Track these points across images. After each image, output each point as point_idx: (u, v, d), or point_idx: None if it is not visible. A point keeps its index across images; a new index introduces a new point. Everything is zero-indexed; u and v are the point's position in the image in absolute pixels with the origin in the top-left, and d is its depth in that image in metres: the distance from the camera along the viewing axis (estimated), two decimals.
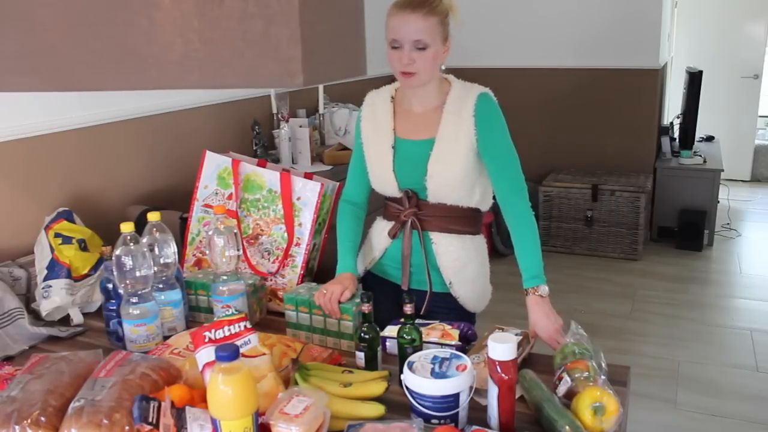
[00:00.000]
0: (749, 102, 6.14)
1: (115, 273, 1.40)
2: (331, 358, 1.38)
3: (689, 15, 6.10)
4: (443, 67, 1.60)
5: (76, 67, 0.93)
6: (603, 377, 1.18)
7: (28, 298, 1.71)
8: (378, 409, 1.15)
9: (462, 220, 1.65)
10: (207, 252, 1.78)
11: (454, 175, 1.57)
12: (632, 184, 4.26)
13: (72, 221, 1.81)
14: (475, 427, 1.09)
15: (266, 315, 1.70)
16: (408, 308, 1.29)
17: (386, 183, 1.65)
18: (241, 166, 1.80)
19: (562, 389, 1.19)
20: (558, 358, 1.29)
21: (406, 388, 1.13)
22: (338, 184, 1.82)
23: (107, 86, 0.94)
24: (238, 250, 1.53)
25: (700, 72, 4.64)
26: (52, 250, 1.69)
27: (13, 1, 0.94)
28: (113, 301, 1.47)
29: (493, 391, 1.11)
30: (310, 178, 1.78)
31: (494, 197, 1.69)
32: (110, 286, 1.48)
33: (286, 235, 1.74)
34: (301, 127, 3.07)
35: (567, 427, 1.07)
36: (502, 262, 3.93)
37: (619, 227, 4.31)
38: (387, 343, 1.44)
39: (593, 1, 4.38)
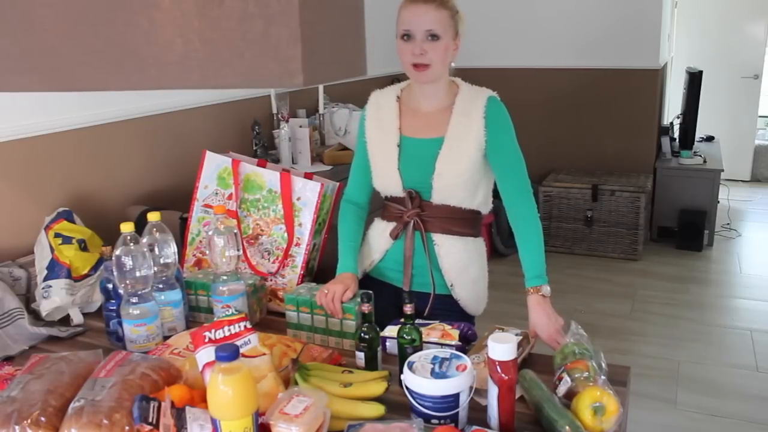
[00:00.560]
0: (749, 102, 6.14)
1: (115, 273, 1.40)
2: (331, 358, 1.38)
3: (689, 15, 6.10)
4: (452, 65, 1.61)
5: (76, 67, 0.93)
6: (603, 377, 1.18)
7: (28, 298, 1.71)
8: (378, 409, 1.15)
9: (464, 222, 1.65)
10: (207, 252, 1.78)
11: (461, 175, 1.58)
12: (632, 184, 4.26)
13: (72, 221, 1.81)
14: (475, 427, 1.09)
15: (266, 315, 1.70)
16: (408, 308, 1.29)
17: (390, 182, 1.65)
18: (241, 166, 1.80)
19: (562, 389, 1.19)
20: (558, 358, 1.30)
21: (406, 388, 1.13)
22: (338, 184, 1.82)
23: (107, 86, 0.94)
24: (238, 250, 1.53)
25: (700, 72, 4.64)
26: (52, 250, 1.69)
27: (13, 1, 0.94)
28: (113, 301, 1.47)
29: (493, 391, 1.11)
30: (310, 178, 1.78)
31: (494, 199, 1.70)
32: (110, 286, 1.48)
33: (286, 235, 1.74)
34: (301, 127, 3.07)
35: (567, 427, 1.07)
36: (502, 262, 3.94)
37: (619, 227, 4.31)
38: (387, 343, 1.44)
39: (593, 2, 4.38)
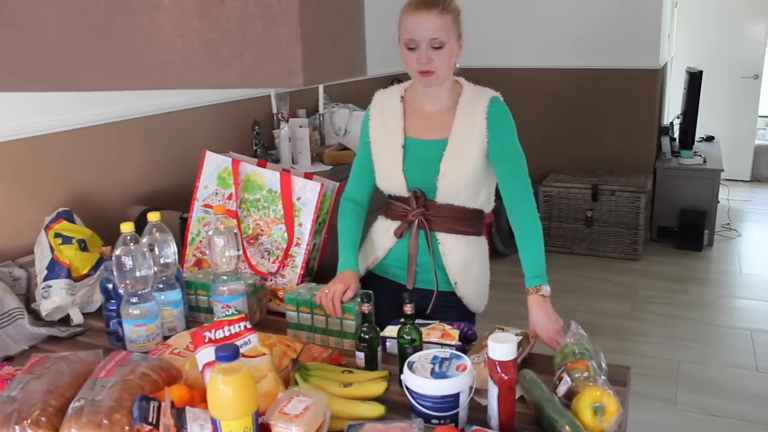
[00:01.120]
0: (749, 102, 6.14)
1: (115, 273, 1.40)
2: (331, 358, 1.38)
3: (689, 15, 6.10)
4: (457, 65, 1.61)
5: (76, 67, 0.93)
6: (603, 377, 1.18)
7: (28, 298, 1.71)
8: (378, 409, 1.15)
9: (467, 221, 1.66)
10: (207, 252, 1.78)
11: (465, 175, 1.59)
12: (632, 184, 4.26)
13: (72, 221, 1.81)
14: (475, 427, 1.09)
15: (266, 315, 1.70)
16: (408, 308, 1.29)
17: (395, 182, 1.65)
18: (241, 166, 1.80)
19: (562, 389, 1.19)
20: (558, 358, 1.30)
21: (406, 388, 1.13)
22: (338, 184, 1.82)
23: (107, 86, 0.94)
24: (238, 250, 1.53)
25: (700, 72, 4.64)
26: (52, 250, 1.69)
27: (13, 1, 0.94)
28: (113, 301, 1.47)
29: (493, 391, 1.11)
30: (310, 178, 1.78)
31: (495, 199, 1.70)
32: (110, 286, 1.48)
33: (286, 235, 1.74)
34: (301, 127, 3.07)
35: (567, 427, 1.07)
36: (502, 262, 3.93)
37: (619, 227, 4.31)
38: (387, 343, 1.44)
39: (593, 2, 4.38)
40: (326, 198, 1.77)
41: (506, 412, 1.12)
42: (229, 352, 0.94)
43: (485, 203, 1.67)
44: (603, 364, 1.28)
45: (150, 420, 1.00)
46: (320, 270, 1.82)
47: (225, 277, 1.51)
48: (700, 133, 5.10)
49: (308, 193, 1.74)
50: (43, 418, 1.02)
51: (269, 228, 1.77)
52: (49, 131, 2.04)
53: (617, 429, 1.12)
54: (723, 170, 4.51)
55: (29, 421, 1.01)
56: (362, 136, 1.74)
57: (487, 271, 1.75)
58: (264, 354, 1.15)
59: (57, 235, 1.73)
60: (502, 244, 4.25)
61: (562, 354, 1.29)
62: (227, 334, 1.14)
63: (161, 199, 2.46)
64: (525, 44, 4.61)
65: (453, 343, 1.39)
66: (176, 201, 2.38)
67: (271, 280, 1.75)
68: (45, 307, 1.62)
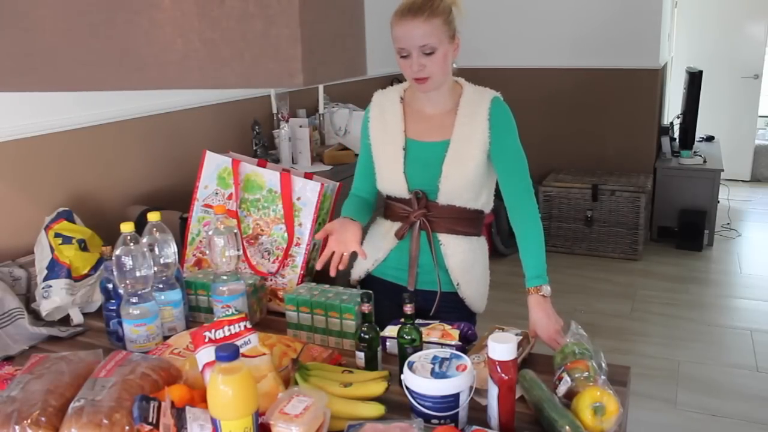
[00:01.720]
0: (749, 102, 6.14)
1: (115, 273, 1.40)
2: (331, 358, 1.38)
3: (689, 15, 6.10)
4: (455, 65, 1.60)
5: (76, 67, 0.93)
6: (603, 377, 1.18)
7: (28, 298, 1.71)
8: (378, 409, 1.15)
9: (468, 221, 1.66)
10: (207, 252, 1.78)
11: (468, 176, 1.58)
12: (632, 184, 4.26)
13: (72, 221, 1.81)
14: (475, 427, 1.09)
15: (266, 315, 1.69)
16: (408, 308, 1.29)
17: (396, 184, 1.65)
18: (241, 166, 1.80)
19: (562, 389, 1.19)
20: (558, 358, 1.30)
21: (406, 388, 1.13)
22: (338, 184, 1.82)
23: (107, 86, 0.94)
24: (238, 250, 1.53)
25: (700, 72, 4.64)
26: (52, 250, 1.69)
27: (13, 1, 0.94)
28: (113, 301, 1.47)
29: (493, 391, 1.11)
30: (310, 178, 1.78)
31: (495, 199, 1.70)
32: (110, 286, 1.47)
33: (286, 235, 1.74)
34: (301, 127, 3.07)
35: (567, 427, 1.07)
36: (502, 262, 3.93)
37: (619, 227, 4.31)
38: (387, 343, 1.44)
39: (593, 2, 4.38)
40: (326, 198, 1.77)
41: (506, 412, 1.11)
42: (229, 352, 0.94)
43: (486, 204, 1.67)
44: (603, 364, 1.28)
45: (150, 420, 1.00)
46: (320, 270, 1.82)
47: (225, 277, 1.51)
48: (700, 133, 5.10)
49: (308, 193, 1.74)
50: (43, 418, 1.02)
51: (269, 228, 1.77)
52: (49, 131, 2.04)
53: (617, 429, 1.12)
54: (723, 170, 4.51)
55: (29, 421, 1.01)
56: (362, 137, 1.73)
57: (488, 270, 1.74)
58: (264, 354, 1.15)
59: (57, 235, 1.73)
60: (502, 244, 4.25)
61: (562, 354, 1.29)
62: (227, 334, 1.14)
63: (161, 199, 2.46)
64: (525, 44, 4.61)
65: (453, 343, 1.39)
66: (176, 201, 2.38)
67: (271, 280, 1.75)
68: (45, 307, 1.62)
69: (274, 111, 3.23)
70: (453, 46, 1.54)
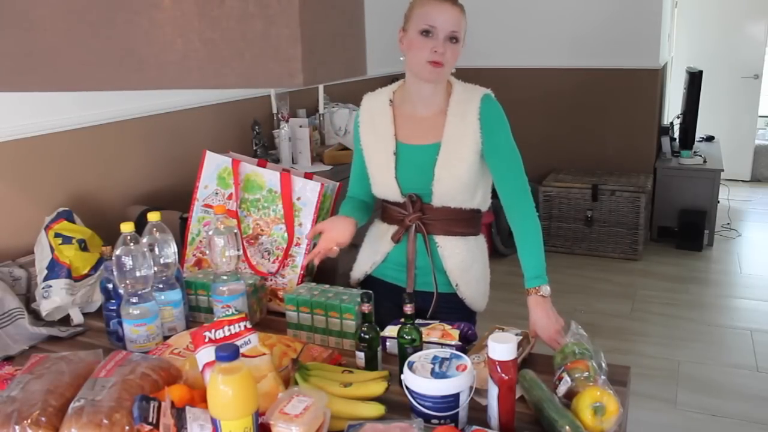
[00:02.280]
0: (749, 102, 6.14)
1: (115, 273, 1.40)
2: (331, 358, 1.38)
3: (689, 15, 6.10)
4: (453, 68, 1.59)
5: (76, 67, 0.93)
6: (603, 377, 1.18)
7: (28, 298, 1.71)
8: (378, 409, 1.15)
9: (464, 221, 1.65)
10: (207, 252, 1.78)
11: (460, 178, 1.57)
12: (632, 184, 4.26)
13: (72, 221, 1.81)
14: (475, 427, 1.09)
15: (266, 315, 1.69)
16: (408, 308, 1.29)
17: (388, 189, 1.64)
18: (241, 166, 1.80)
19: (562, 389, 1.19)
20: (558, 358, 1.29)
21: (406, 388, 1.13)
22: (338, 184, 1.82)
23: (107, 86, 0.94)
24: (238, 250, 1.53)
25: (700, 72, 4.64)
26: (52, 250, 1.69)
27: (13, 1, 0.94)
28: (113, 301, 1.47)
29: (493, 391, 1.11)
30: (310, 178, 1.78)
31: (493, 197, 1.69)
32: (110, 286, 1.47)
33: (286, 235, 1.74)
34: (301, 127, 3.07)
35: (567, 427, 1.07)
36: (502, 262, 3.94)
37: (619, 227, 4.31)
38: (387, 343, 1.44)
39: (593, 1, 4.38)
40: (326, 198, 1.76)
41: (506, 412, 1.11)
42: (229, 352, 0.94)
43: (482, 202, 1.66)
44: (603, 364, 1.28)
45: (150, 420, 1.00)
46: (320, 270, 1.82)
47: (225, 277, 1.51)
48: (700, 133, 5.10)
49: (308, 193, 1.74)
50: (43, 418, 1.02)
51: (269, 228, 1.77)
52: (49, 131, 2.04)
53: (617, 429, 1.12)
54: (723, 170, 4.51)
55: (29, 421, 1.01)
56: (355, 142, 1.72)
57: (488, 270, 1.74)
58: (264, 354, 1.15)
59: (57, 235, 1.73)
60: (502, 244, 4.25)
61: (562, 354, 1.29)
62: (227, 334, 1.14)
63: (161, 199, 2.46)
64: (525, 44, 4.62)
65: (453, 343, 1.39)
66: (176, 201, 2.38)
67: (271, 280, 1.75)
68: (45, 307, 1.62)
69: (274, 111, 3.23)
70: (461, 48, 1.55)
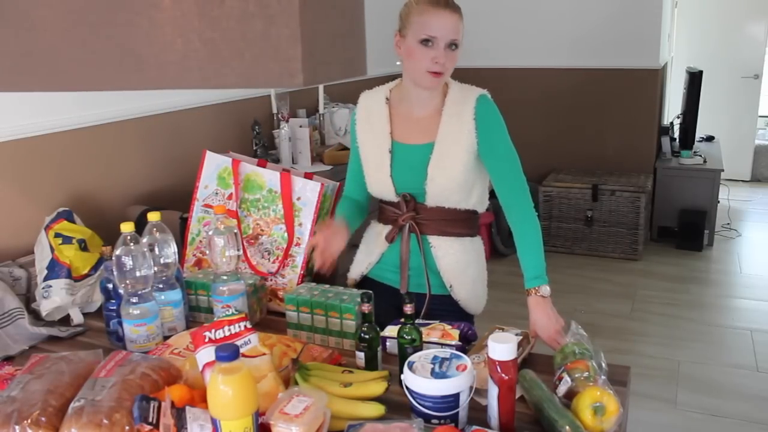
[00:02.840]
0: (749, 102, 6.14)
1: (115, 273, 1.40)
2: (331, 358, 1.38)
3: (689, 15, 6.10)
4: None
5: (76, 67, 0.93)
6: (603, 377, 1.18)
7: (28, 298, 1.71)
8: (378, 409, 1.15)
9: (460, 222, 1.64)
10: (207, 252, 1.78)
11: (454, 179, 1.56)
12: (632, 184, 4.26)
13: (72, 221, 1.81)
14: (475, 427, 1.09)
15: (266, 315, 1.69)
16: (408, 308, 1.29)
17: (383, 187, 1.64)
18: (241, 166, 1.80)
19: (562, 389, 1.19)
20: (558, 358, 1.29)
21: (406, 388, 1.13)
22: (338, 184, 1.82)
23: (107, 86, 0.94)
24: (238, 250, 1.53)
25: (700, 72, 4.64)
26: (52, 250, 1.69)
27: (13, 1, 0.94)
28: (113, 301, 1.47)
29: (493, 391, 1.11)
30: (310, 178, 1.78)
31: (492, 197, 1.69)
32: (110, 286, 1.48)
33: (286, 235, 1.74)
34: (301, 127, 3.07)
35: (567, 427, 1.07)
36: (502, 262, 3.94)
37: (619, 227, 4.31)
38: (387, 343, 1.44)
39: (593, 1, 4.38)
40: (326, 198, 1.77)
41: (506, 412, 1.11)
42: (229, 352, 0.94)
43: (478, 203, 1.65)
44: (603, 364, 1.28)
45: (150, 420, 1.00)
46: (320, 270, 1.82)
47: (225, 277, 1.51)
48: (700, 133, 5.10)
49: (308, 193, 1.74)
50: (43, 418, 1.02)
51: (269, 228, 1.77)
52: (49, 131, 2.04)
53: (617, 429, 1.12)
54: (723, 170, 4.51)
55: (29, 421, 1.01)
56: (352, 140, 1.72)
57: (484, 272, 1.73)
58: (264, 354, 1.15)
59: (57, 235, 1.73)
60: (502, 244, 4.25)
61: (562, 354, 1.29)
62: (227, 334, 1.14)
63: (161, 199, 2.46)
64: (525, 44, 4.62)
65: (453, 343, 1.39)
66: (176, 201, 2.38)
67: (271, 280, 1.75)
68: (45, 307, 1.62)
69: (274, 111, 3.23)
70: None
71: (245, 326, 1.16)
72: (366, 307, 1.33)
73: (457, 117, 1.56)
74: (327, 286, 1.59)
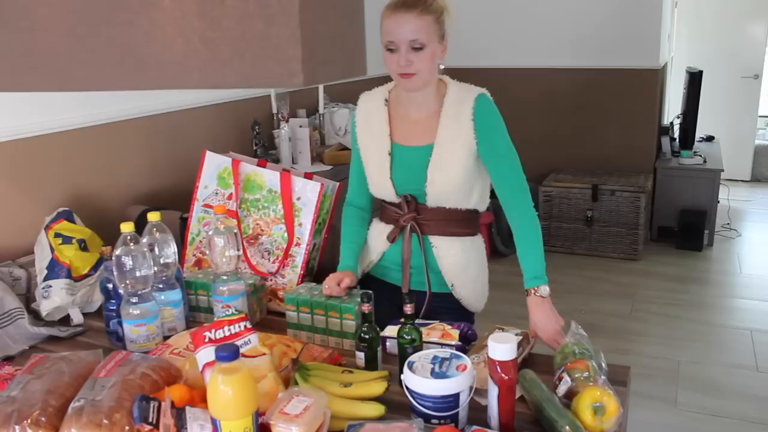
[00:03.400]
0: (749, 102, 6.14)
1: (115, 273, 1.40)
2: (331, 358, 1.38)
3: (689, 15, 6.10)
4: (442, 67, 1.58)
5: (76, 67, 0.93)
6: (603, 377, 1.18)
7: (28, 298, 1.71)
8: (378, 409, 1.15)
9: (461, 222, 1.64)
10: (207, 252, 1.78)
11: (454, 180, 1.56)
12: (632, 184, 4.26)
13: (72, 221, 1.81)
14: (475, 427, 1.09)
15: (266, 315, 1.70)
16: (408, 308, 1.29)
17: (384, 189, 1.64)
18: (241, 166, 1.80)
19: (562, 389, 1.19)
20: (558, 358, 1.29)
21: (406, 388, 1.13)
22: (338, 184, 1.82)
23: (107, 86, 0.94)
24: (238, 250, 1.53)
25: (700, 72, 4.64)
26: (52, 250, 1.69)
27: (13, 1, 0.94)
28: (113, 301, 1.47)
29: (493, 391, 1.11)
30: (310, 178, 1.78)
31: (492, 197, 1.69)
32: (110, 286, 1.48)
33: (286, 235, 1.74)
34: (301, 127, 3.07)
35: (567, 427, 1.07)
36: (502, 262, 3.94)
37: (619, 227, 4.31)
38: (387, 343, 1.44)
39: (593, 1, 4.38)
40: (326, 198, 1.76)
41: (506, 412, 1.11)
42: (229, 352, 0.94)
43: (479, 202, 1.65)
44: (603, 364, 1.28)
45: (150, 420, 1.00)
46: (320, 270, 1.82)
47: (225, 277, 1.51)
48: (700, 133, 5.10)
49: (308, 193, 1.74)
50: (43, 418, 1.02)
51: (269, 228, 1.77)
52: (49, 131, 2.04)
53: (617, 429, 1.12)
54: (723, 170, 4.51)
55: (29, 421, 1.01)
56: (353, 143, 1.72)
57: (485, 270, 1.73)
58: (264, 354, 1.15)
59: (57, 235, 1.73)
60: (502, 244, 4.25)
61: (562, 354, 1.29)
62: (227, 334, 1.14)
63: (161, 199, 2.46)
64: (525, 44, 4.61)
65: (453, 343, 1.39)
66: (176, 201, 2.38)
67: (271, 280, 1.75)
68: (45, 307, 1.62)
69: (274, 111, 3.23)
70: (441, 47, 1.52)
71: (245, 326, 1.16)
72: (366, 307, 1.33)
73: (455, 118, 1.55)
74: None
